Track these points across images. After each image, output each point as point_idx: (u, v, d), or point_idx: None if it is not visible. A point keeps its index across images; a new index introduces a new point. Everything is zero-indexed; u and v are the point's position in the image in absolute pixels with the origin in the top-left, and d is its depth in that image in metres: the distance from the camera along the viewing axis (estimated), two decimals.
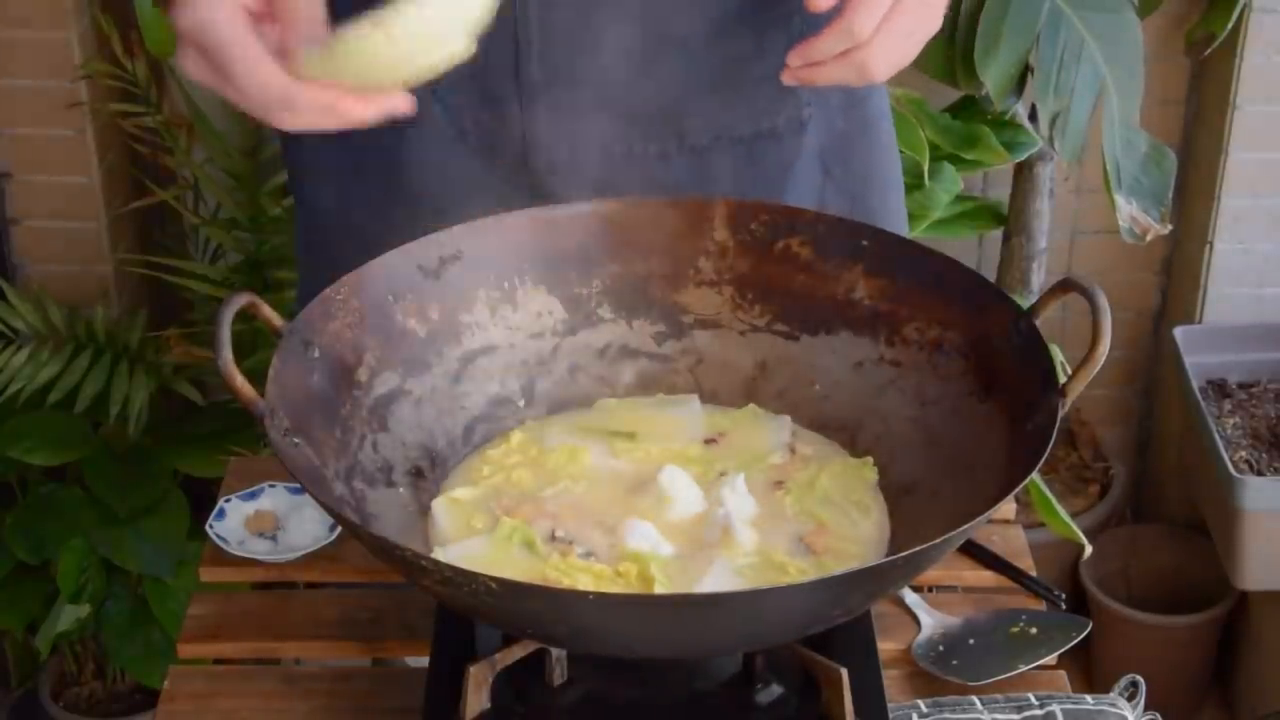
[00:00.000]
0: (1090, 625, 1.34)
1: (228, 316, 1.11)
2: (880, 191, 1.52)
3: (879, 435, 1.25)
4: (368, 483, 1.18)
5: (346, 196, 1.46)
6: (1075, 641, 1.32)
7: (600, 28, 1.34)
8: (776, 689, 1.16)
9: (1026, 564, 1.41)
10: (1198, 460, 2.51)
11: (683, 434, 1.27)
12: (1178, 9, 2.49)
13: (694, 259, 1.32)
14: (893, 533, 1.19)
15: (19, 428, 2.26)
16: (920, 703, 1.25)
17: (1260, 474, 2.41)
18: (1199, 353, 2.57)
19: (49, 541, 2.22)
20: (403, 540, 1.05)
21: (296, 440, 1.12)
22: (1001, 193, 2.52)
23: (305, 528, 1.41)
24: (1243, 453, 2.44)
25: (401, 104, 1.11)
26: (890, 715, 1.18)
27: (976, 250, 2.70)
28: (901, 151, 1.61)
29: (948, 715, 1.23)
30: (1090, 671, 2.65)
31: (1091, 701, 1.25)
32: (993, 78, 2.13)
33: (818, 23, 1.22)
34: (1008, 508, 1.45)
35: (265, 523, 1.43)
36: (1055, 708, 1.24)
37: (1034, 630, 1.33)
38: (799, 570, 1.13)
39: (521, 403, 1.30)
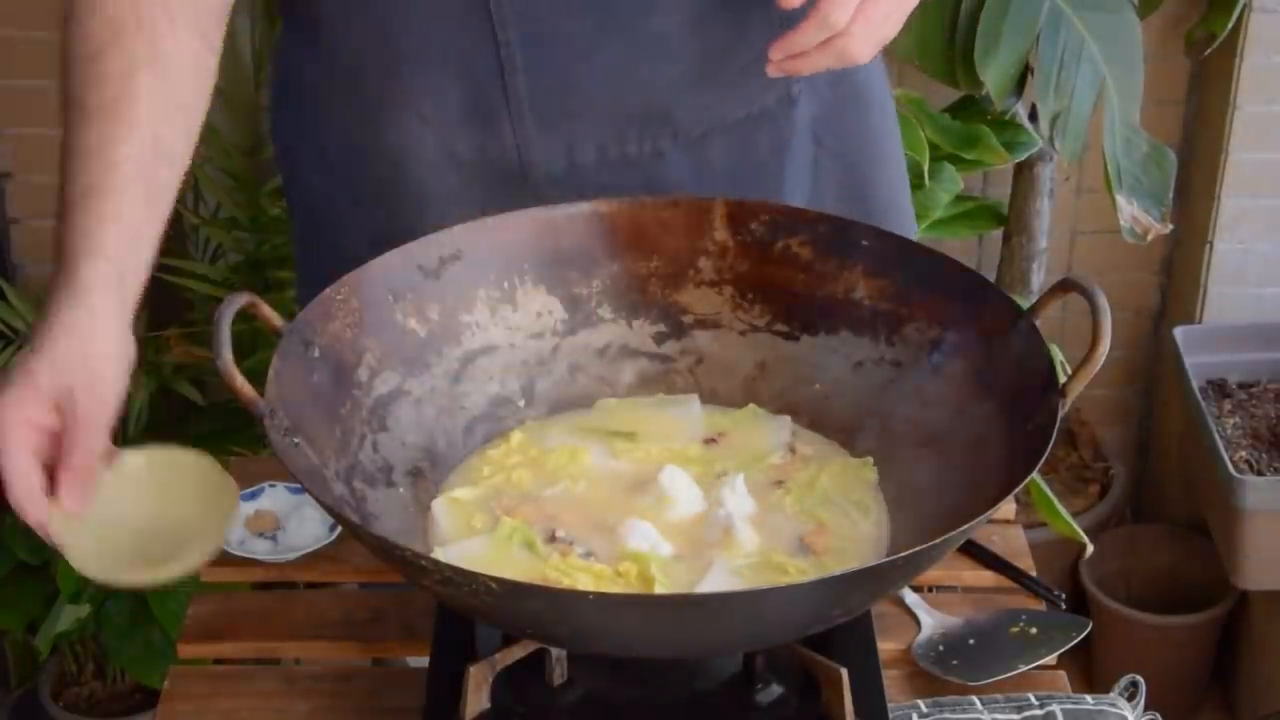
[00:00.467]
0: (1090, 625, 1.34)
1: (228, 316, 1.11)
2: (875, 158, 1.52)
3: (879, 435, 1.25)
4: (368, 483, 1.18)
5: (344, 229, 1.46)
6: (1075, 641, 1.32)
7: (581, 35, 1.34)
8: (776, 689, 1.16)
9: (1026, 564, 1.41)
10: (1198, 460, 2.50)
11: (683, 434, 1.27)
12: (1178, 9, 2.49)
13: (694, 259, 1.32)
14: (893, 533, 1.19)
15: None
16: (920, 703, 1.25)
17: (1260, 474, 2.41)
18: (1199, 353, 2.57)
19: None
20: (403, 540, 1.05)
21: (296, 440, 1.12)
22: (1001, 193, 2.52)
23: (305, 528, 1.41)
24: (1243, 453, 2.44)
25: None
26: (890, 715, 1.18)
27: (976, 250, 2.70)
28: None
29: (948, 715, 1.23)
30: (1090, 671, 2.65)
31: (1091, 701, 1.25)
32: (993, 78, 2.13)
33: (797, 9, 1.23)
34: (1008, 508, 1.45)
35: (265, 523, 1.43)
36: (1055, 708, 1.24)
37: (1034, 630, 1.33)
38: (799, 570, 1.13)
39: (521, 403, 1.30)
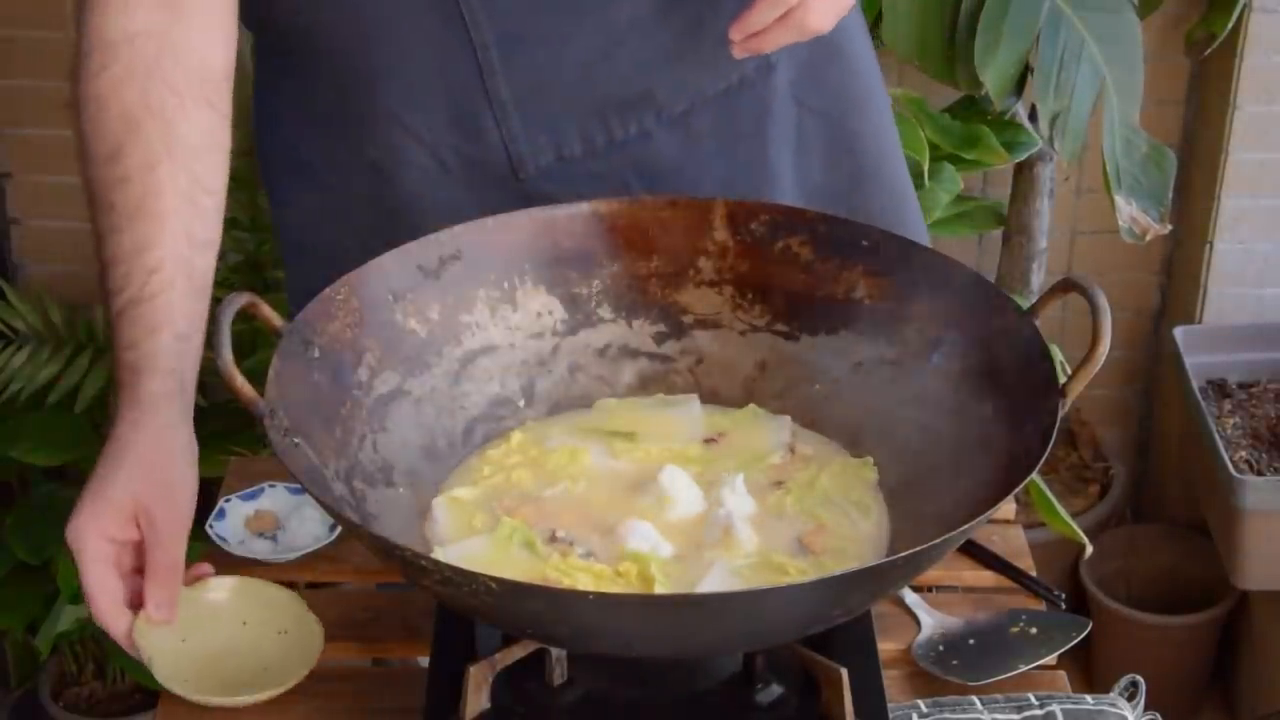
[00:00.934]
0: (1090, 625, 1.34)
1: (228, 316, 1.11)
2: (861, 111, 1.53)
3: (879, 435, 1.25)
4: (368, 483, 1.18)
5: (333, 244, 1.46)
6: (1075, 641, 1.32)
7: (554, 29, 1.35)
8: (776, 689, 1.16)
9: (1026, 564, 1.41)
10: (1198, 460, 2.50)
11: (683, 434, 1.27)
12: (1178, 9, 2.49)
13: (694, 259, 1.32)
14: (893, 533, 1.19)
15: (19, 428, 2.26)
16: (920, 703, 1.25)
17: (1260, 474, 2.40)
18: (1199, 353, 2.56)
19: (49, 541, 2.22)
20: (403, 540, 1.05)
21: (296, 440, 1.12)
22: (1001, 193, 2.52)
23: (305, 528, 1.41)
24: (1243, 453, 2.44)
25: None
26: (890, 715, 1.18)
27: (976, 250, 2.69)
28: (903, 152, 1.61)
29: (948, 715, 1.23)
30: (1090, 671, 2.65)
31: (1091, 701, 1.25)
32: (993, 78, 2.13)
33: None
34: (1008, 508, 1.45)
35: (265, 523, 1.43)
36: (1055, 708, 1.24)
37: (1034, 630, 1.33)
38: (798, 570, 1.13)
39: (521, 403, 1.30)
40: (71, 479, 2.30)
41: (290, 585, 1.38)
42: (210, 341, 1.11)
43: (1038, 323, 1.17)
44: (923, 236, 1.61)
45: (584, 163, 1.40)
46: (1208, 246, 2.58)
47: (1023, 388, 1.15)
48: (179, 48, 1.23)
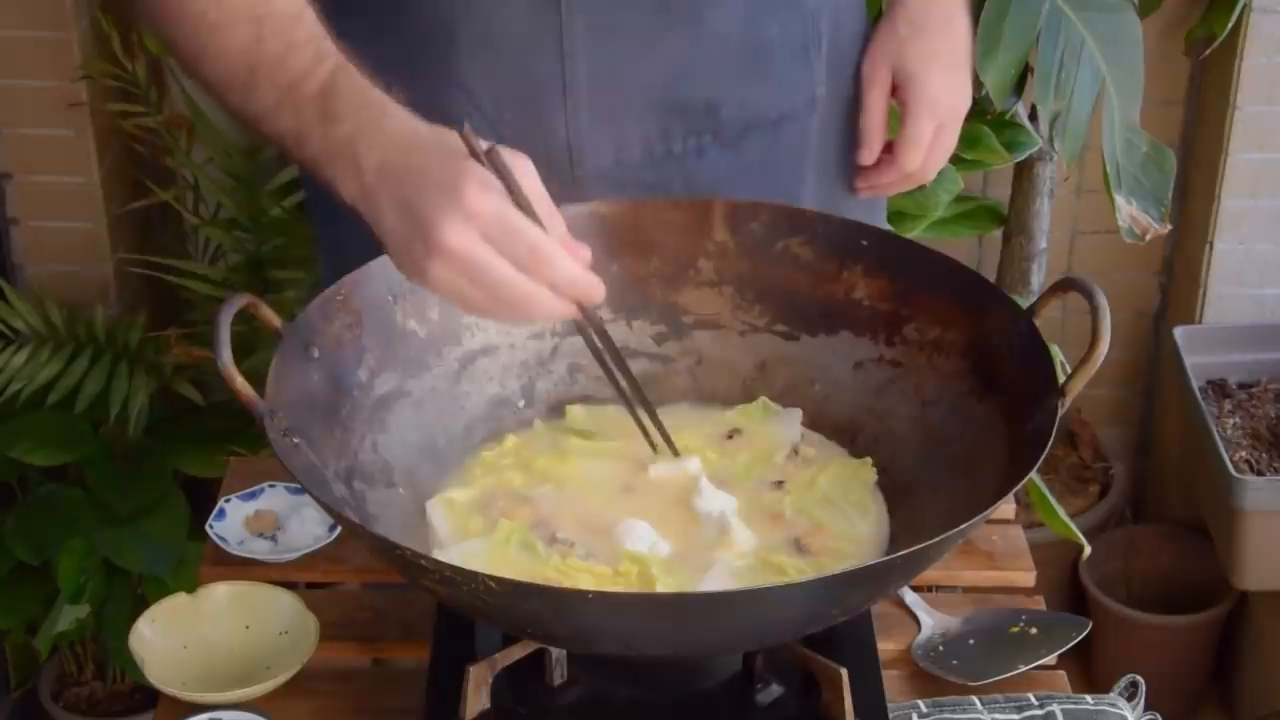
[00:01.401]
0: (1090, 625, 1.34)
1: (227, 317, 1.11)
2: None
3: (879, 435, 1.25)
4: (368, 483, 1.18)
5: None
6: (1075, 641, 1.32)
7: (644, 25, 1.35)
8: (776, 689, 1.16)
9: (1026, 564, 1.41)
10: (1198, 460, 2.50)
11: (691, 434, 1.27)
12: (1178, 9, 2.49)
13: (694, 259, 1.32)
14: (893, 533, 1.19)
15: (19, 428, 2.26)
16: (920, 703, 1.25)
17: (1260, 474, 2.40)
18: (1199, 353, 2.56)
19: (49, 541, 2.22)
20: (403, 540, 1.05)
21: (296, 440, 1.12)
22: (1001, 193, 2.52)
23: (305, 528, 1.41)
24: (1243, 453, 2.44)
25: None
26: (890, 715, 1.18)
27: (976, 250, 2.69)
28: None
29: (948, 715, 1.23)
30: (1090, 671, 2.65)
31: (1091, 701, 1.25)
32: (993, 78, 2.13)
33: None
34: (1008, 508, 1.45)
35: (265, 523, 1.43)
36: (1055, 708, 1.24)
37: (1034, 630, 1.33)
38: (798, 570, 1.13)
39: (521, 403, 1.30)
40: (72, 479, 2.30)
41: (290, 585, 1.38)
42: (210, 342, 1.11)
43: (1037, 322, 1.17)
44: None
45: (637, 169, 1.40)
46: (1208, 247, 2.58)
47: (1022, 387, 1.15)
48: None
